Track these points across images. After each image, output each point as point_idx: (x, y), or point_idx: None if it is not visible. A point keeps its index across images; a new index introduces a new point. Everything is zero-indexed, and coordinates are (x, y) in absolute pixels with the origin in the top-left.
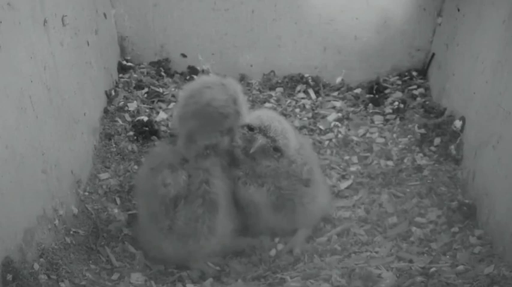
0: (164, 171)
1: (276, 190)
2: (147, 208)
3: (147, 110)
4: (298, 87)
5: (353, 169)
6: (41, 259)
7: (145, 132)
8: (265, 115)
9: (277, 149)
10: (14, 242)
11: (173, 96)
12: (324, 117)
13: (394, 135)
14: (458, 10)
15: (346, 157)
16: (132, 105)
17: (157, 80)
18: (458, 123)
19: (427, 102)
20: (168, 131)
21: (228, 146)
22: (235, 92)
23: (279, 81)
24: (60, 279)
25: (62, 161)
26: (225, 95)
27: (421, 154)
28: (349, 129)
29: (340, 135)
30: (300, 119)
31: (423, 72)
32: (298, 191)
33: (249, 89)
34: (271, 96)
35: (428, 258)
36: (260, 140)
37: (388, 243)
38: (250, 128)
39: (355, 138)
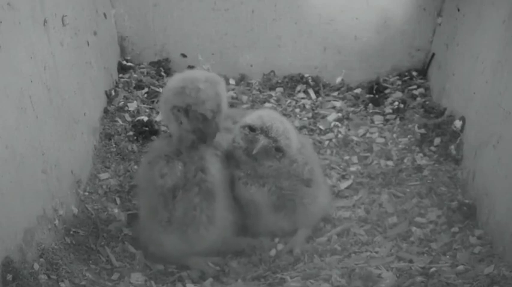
0: (160, 162)
1: (277, 190)
2: (147, 202)
3: (147, 110)
4: (298, 87)
5: (353, 169)
6: (41, 259)
7: (145, 132)
8: (267, 115)
9: (279, 150)
10: (14, 242)
11: None
12: (324, 117)
13: (394, 135)
14: (458, 10)
15: (346, 157)
16: (132, 105)
17: (157, 80)
18: (458, 123)
19: (427, 102)
20: (168, 131)
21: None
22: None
23: (279, 81)
24: (60, 279)
25: (62, 161)
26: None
27: (421, 154)
28: (349, 129)
29: (340, 135)
30: (300, 119)
31: (423, 72)
32: (299, 192)
33: (249, 89)
34: (271, 96)
35: (428, 258)
36: (262, 141)
37: (388, 243)
38: (252, 129)
39: (355, 138)
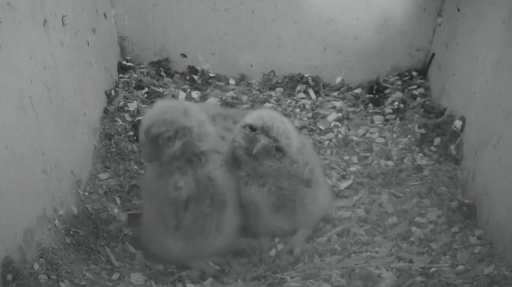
0: (175, 175)
1: (277, 190)
2: (154, 208)
3: (147, 110)
4: (298, 87)
5: (353, 169)
6: (41, 259)
7: None
8: (267, 115)
9: (279, 149)
10: (14, 242)
11: (173, 96)
12: (324, 117)
13: (394, 135)
14: (458, 10)
15: (346, 157)
16: (132, 105)
17: (157, 80)
18: (458, 123)
19: (427, 102)
20: None
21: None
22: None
23: (279, 81)
24: (60, 279)
25: (62, 161)
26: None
27: (421, 154)
28: (349, 129)
29: (340, 135)
30: (300, 119)
31: (423, 72)
32: (299, 192)
33: (249, 89)
34: (271, 96)
35: (428, 258)
36: (262, 140)
37: (388, 243)
38: (252, 129)
39: (355, 138)
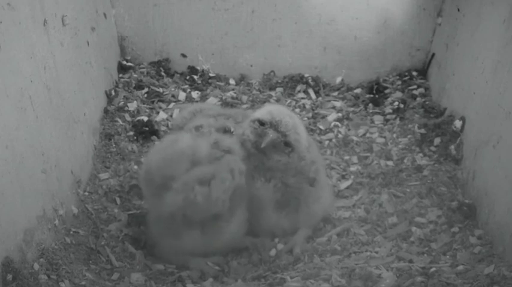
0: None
1: (282, 187)
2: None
3: (147, 110)
4: (298, 87)
5: (353, 169)
6: (41, 259)
7: (145, 132)
8: (276, 110)
9: (288, 144)
10: (14, 242)
11: (173, 96)
12: (324, 117)
13: (394, 135)
14: (458, 10)
15: (346, 157)
16: (132, 105)
17: (157, 80)
18: (458, 123)
19: (427, 102)
20: (168, 131)
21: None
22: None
23: (279, 81)
24: (60, 279)
25: (62, 161)
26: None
27: (421, 154)
28: (349, 129)
29: (340, 135)
30: (300, 119)
31: (423, 72)
32: (304, 190)
33: (249, 89)
34: (271, 96)
35: (428, 258)
36: (271, 134)
37: (388, 243)
38: (261, 123)
39: (355, 138)
